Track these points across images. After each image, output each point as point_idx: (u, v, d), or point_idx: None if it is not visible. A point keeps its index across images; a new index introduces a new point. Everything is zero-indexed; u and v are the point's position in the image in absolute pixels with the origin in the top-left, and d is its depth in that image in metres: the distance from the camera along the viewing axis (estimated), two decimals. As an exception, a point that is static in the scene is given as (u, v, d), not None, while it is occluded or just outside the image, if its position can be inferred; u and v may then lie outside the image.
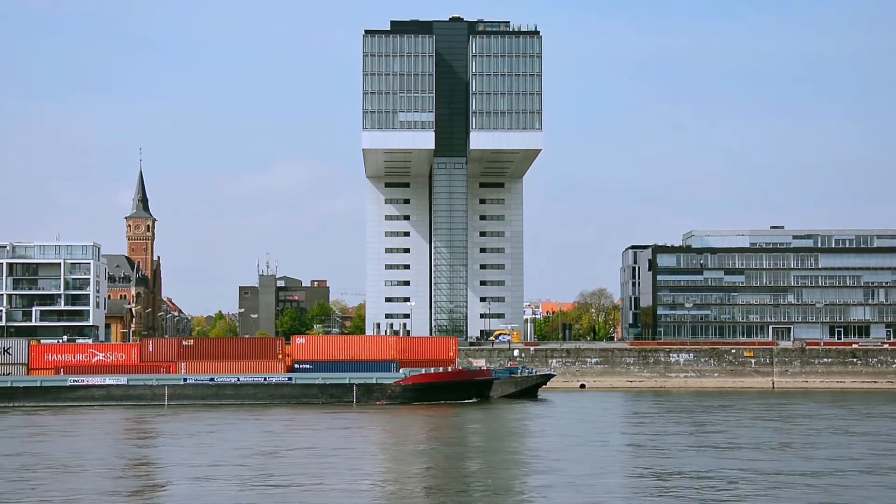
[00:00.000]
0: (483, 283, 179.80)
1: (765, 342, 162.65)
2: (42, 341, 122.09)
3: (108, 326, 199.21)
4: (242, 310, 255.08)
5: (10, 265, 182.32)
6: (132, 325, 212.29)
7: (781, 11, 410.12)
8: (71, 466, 59.00)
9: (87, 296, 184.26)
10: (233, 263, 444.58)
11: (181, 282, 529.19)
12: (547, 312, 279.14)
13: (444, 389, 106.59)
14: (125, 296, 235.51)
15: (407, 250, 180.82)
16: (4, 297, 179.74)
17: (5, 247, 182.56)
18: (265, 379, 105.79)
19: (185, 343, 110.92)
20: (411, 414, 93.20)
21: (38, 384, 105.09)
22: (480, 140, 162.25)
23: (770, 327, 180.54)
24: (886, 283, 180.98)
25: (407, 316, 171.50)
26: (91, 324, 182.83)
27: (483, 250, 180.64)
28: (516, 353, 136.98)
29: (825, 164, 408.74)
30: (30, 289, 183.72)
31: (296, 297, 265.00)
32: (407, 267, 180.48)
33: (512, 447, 69.56)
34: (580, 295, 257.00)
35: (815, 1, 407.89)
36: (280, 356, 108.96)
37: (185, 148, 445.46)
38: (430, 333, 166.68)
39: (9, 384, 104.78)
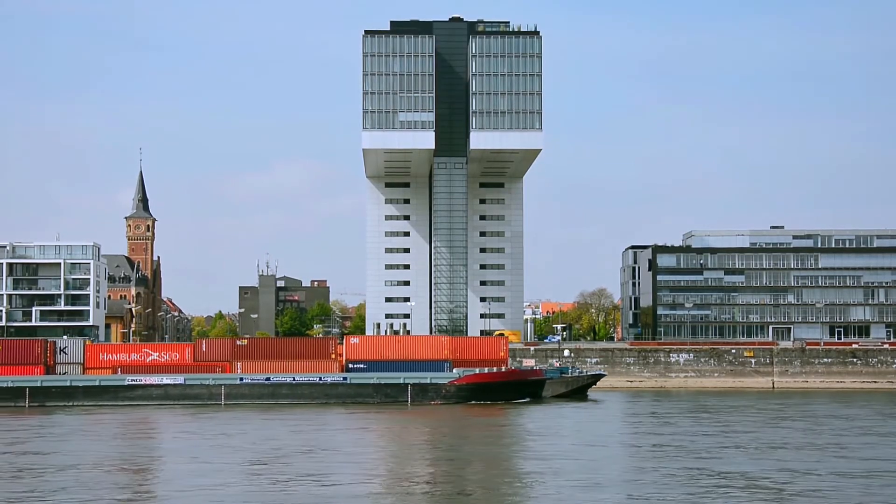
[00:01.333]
0: (483, 283, 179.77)
1: (765, 342, 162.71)
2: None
3: (108, 326, 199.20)
4: (242, 310, 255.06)
5: (10, 265, 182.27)
6: (132, 325, 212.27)
7: (781, 12, 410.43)
8: (194, 462, 60.83)
9: (87, 296, 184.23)
10: (233, 263, 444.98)
11: (181, 282, 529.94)
12: (547, 312, 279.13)
13: (498, 389, 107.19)
14: (125, 296, 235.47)
15: (407, 250, 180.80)
16: (4, 297, 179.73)
17: (5, 247, 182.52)
18: (320, 379, 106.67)
19: (238, 343, 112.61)
20: (491, 414, 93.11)
21: (97, 383, 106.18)
22: (480, 140, 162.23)
23: (770, 327, 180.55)
24: (886, 283, 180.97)
25: (407, 316, 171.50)
26: (91, 324, 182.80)
27: (483, 250, 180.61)
28: (567, 352, 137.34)
29: (825, 164, 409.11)
30: (30, 289, 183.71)
31: (296, 297, 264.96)
32: (407, 267, 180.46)
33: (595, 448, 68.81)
34: (580, 295, 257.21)
35: (815, 1, 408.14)
36: (333, 356, 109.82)
37: (185, 148, 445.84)
38: (430, 333, 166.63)
39: (68, 383, 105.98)
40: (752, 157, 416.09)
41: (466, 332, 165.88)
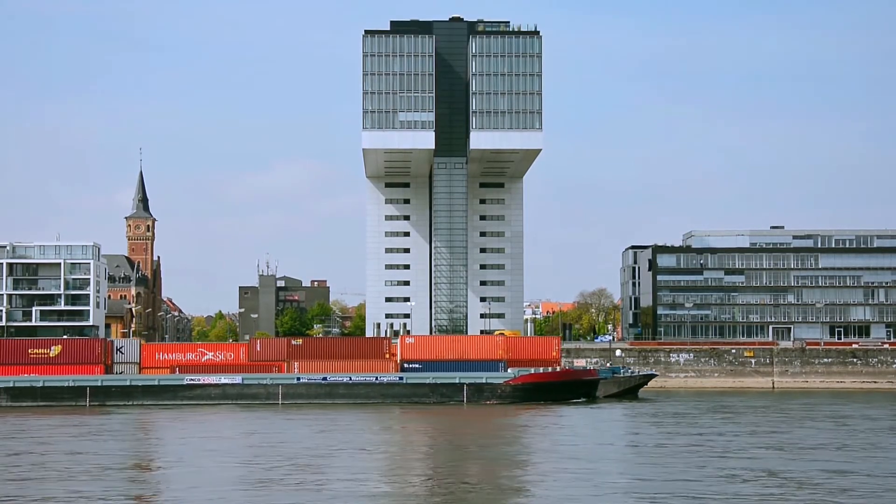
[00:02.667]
0: (483, 283, 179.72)
1: (765, 342, 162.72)
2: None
3: (108, 326, 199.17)
4: (242, 310, 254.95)
5: (10, 265, 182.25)
6: (132, 325, 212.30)
7: (781, 12, 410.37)
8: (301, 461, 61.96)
9: (87, 296, 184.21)
10: (233, 263, 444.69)
11: (181, 282, 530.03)
12: (547, 312, 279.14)
13: (553, 389, 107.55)
14: (125, 296, 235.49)
15: (407, 250, 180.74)
16: (4, 297, 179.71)
17: (5, 247, 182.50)
18: (377, 378, 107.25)
19: (294, 343, 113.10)
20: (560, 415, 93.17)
21: (156, 383, 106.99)
22: (480, 140, 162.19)
23: (770, 327, 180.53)
24: (886, 283, 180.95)
25: (407, 316, 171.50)
26: (91, 324, 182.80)
27: (483, 250, 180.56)
28: (619, 352, 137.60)
29: (825, 164, 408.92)
30: (30, 289, 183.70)
31: (296, 297, 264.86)
32: (407, 267, 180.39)
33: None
34: (580, 295, 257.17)
35: (815, 1, 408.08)
36: (387, 355, 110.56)
37: (185, 148, 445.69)
38: (430, 333, 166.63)
39: (128, 383, 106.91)
40: (752, 157, 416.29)
41: (466, 332, 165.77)
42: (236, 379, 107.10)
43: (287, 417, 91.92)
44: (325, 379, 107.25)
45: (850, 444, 69.14)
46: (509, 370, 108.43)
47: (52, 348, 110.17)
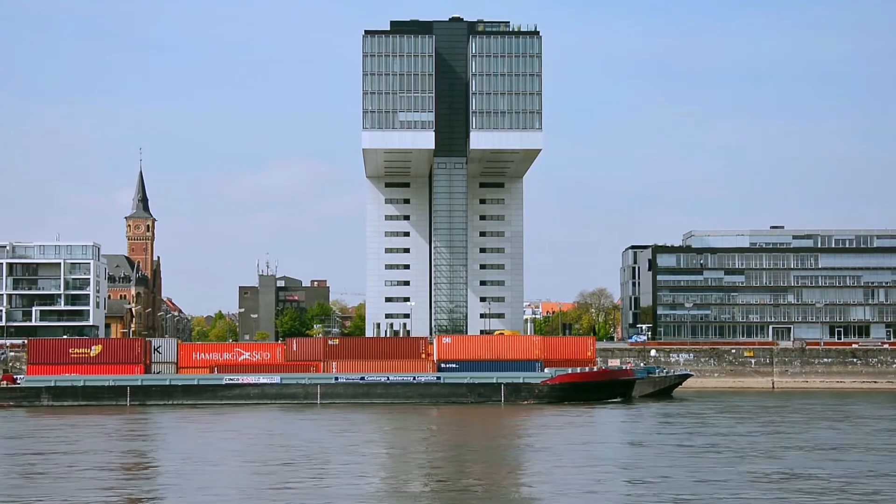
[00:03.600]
0: (483, 283, 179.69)
1: (765, 342, 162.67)
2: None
3: (108, 326, 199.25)
4: (242, 310, 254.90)
5: (10, 265, 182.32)
6: (132, 325, 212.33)
7: (781, 12, 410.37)
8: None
9: (87, 296, 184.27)
10: (233, 263, 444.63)
11: (181, 282, 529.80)
12: (547, 312, 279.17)
13: (590, 389, 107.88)
14: (125, 296, 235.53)
15: (407, 250, 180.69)
16: (4, 297, 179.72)
17: (5, 247, 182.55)
18: (414, 378, 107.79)
19: (330, 343, 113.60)
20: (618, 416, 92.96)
21: (196, 382, 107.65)
22: (480, 140, 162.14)
23: (770, 327, 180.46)
24: (886, 283, 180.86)
25: (407, 316, 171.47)
26: (91, 324, 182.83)
27: (483, 250, 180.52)
28: (653, 352, 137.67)
29: (825, 164, 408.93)
30: (30, 289, 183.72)
31: (296, 297, 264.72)
32: (407, 267, 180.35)
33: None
34: (580, 295, 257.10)
35: (816, 1, 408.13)
36: (423, 355, 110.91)
37: (185, 148, 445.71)
38: (430, 333, 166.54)
39: (167, 382, 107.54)
40: (752, 157, 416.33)
41: (466, 332, 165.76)
42: (275, 379, 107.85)
43: (326, 417, 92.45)
44: (362, 379, 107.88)
45: (876, 446, 69.22)
46: (546, 370, 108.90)
47: (93, 348, 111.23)
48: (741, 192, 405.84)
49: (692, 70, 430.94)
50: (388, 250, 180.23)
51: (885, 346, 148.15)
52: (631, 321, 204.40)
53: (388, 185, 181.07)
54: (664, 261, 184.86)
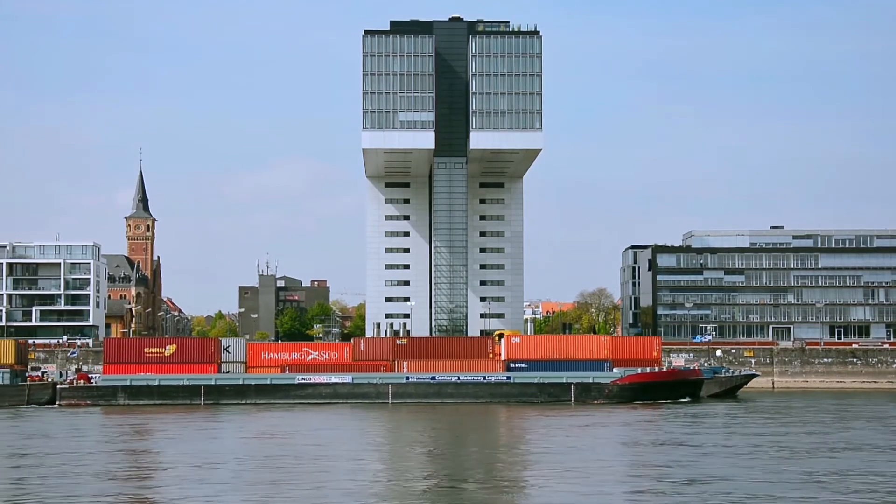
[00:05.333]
0: (483, 283, 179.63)
1: (765, 342, 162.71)
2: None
3: (108, 326, 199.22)
4: (242, 310, 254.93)
5: (10, 265, 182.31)
6: (132, 325, 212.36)
7: (781, 12, 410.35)
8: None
9: (87, 296, 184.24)
10: (233, 263, 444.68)
11: (181, 282, 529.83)
12: (547, 312, 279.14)
13: (660, 389, 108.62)
14: (125, 296, 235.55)
15: (407, 250, 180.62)
16: (4, 297, 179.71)
17: (5, 247, 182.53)
18: (484, 378, 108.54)
19: (398, 342, 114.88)
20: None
21: (268, 382, 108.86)
22: (480, 140, 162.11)
23: (770, 327, 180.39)
24: (886, 283, 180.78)
25: (407, 316, 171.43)
26: (91, 324, 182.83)
27: (483, 250, 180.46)
28: (719, 352, 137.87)
29: (825, 164, 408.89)
30: (30, 289, 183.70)
31: (296, 297, 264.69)
32: (407, 267, 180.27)
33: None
34: (580, 295, 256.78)
35: (815, 2, 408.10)
36: (490, 355, 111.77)
37: (185, 148, 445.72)
38: (430, 333, 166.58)
39: (241, 381, 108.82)
40: (752, 157, 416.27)
41: (466, 332, 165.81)
42: (346, 378, 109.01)
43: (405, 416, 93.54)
44: (433, 378, 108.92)
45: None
46: (615, 370, 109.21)
47: (168, 347, 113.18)
48: (741, 192, 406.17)
49: (692, 70, 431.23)
50: (388, 250, 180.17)
51: (885, 346, 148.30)
52: (631, 321, 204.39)
53: (388, 185, 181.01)
54: (664, 261, 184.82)
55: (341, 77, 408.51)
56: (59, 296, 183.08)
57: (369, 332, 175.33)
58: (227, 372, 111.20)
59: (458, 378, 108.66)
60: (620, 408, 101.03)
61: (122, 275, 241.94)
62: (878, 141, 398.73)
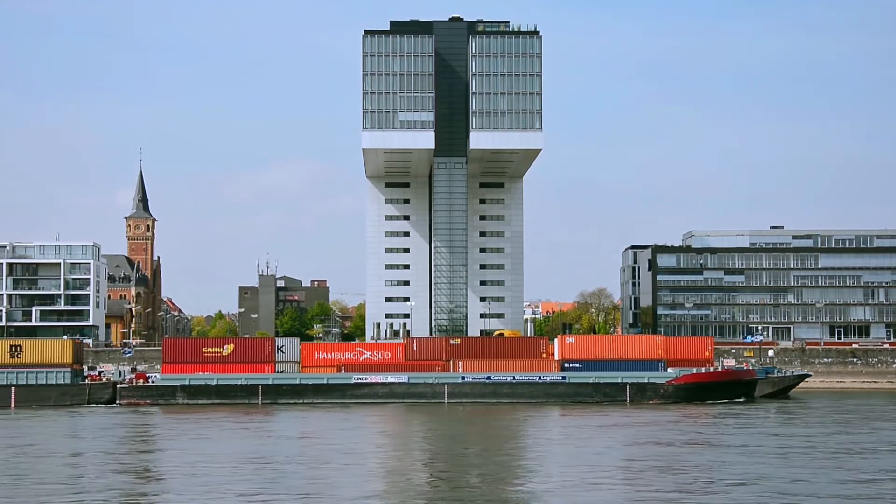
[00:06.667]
0: (483, 283, 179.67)
1: (765, 342, 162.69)
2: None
3: (108, 326, 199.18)
4: (242, 310, 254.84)
5: (10, 265, 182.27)
6: (132, 325, 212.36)
7: (781, 12, 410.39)
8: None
9: (87, 296, 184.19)
10: (233, 263, 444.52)
11: (181, 282, 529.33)
12: (547, 312, 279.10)
13: (715, 389, 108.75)
14: (125, 296, 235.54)
15: (407, 250, 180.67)
16: (4, 297, 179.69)
17: (5, 247, 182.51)
18: (539, 378, 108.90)
19: (452, 342, 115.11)
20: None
21: (325, 381, 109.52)
22: (480, 140, 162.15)
23: (770, 327, 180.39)
24: (886, 283, 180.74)
25: (407, 316, 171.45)
26: (91, 324, 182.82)
27: (483, 250, 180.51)
28: (771, 352, 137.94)
29: (825, 164, 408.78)
30: (30, 289, 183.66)
31: (296, 297, 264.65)
32: (407, 267, 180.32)
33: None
34: (580, 295, 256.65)
35: (815, 1, 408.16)
36: (544, 355, 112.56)
37: (185, 148, 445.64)
38: (430, 334, 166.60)
39: (297, 381, 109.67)
40: (752, 157, 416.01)
41: (466, 332, 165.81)
42: (402, 378, 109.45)
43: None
44: (488, 378, 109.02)
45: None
46: (669, 370, 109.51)
47: (225, 347, 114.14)
48: (741, 192, 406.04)
49: (692, 70, 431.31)
50: (388, 250, 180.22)
51: (885, 346, 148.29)
52: (631, 321, 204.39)
53: (388, 185, 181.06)
54: (664, 261, 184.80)
55: (341, 77, 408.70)
56: (59, 296, 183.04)
57: (369, 332, 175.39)
58: (282, 371, 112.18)
59: (514, 378, 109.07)
60: (687, 407, 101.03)
61: (122, 275, 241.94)
62: (878, 141, 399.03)
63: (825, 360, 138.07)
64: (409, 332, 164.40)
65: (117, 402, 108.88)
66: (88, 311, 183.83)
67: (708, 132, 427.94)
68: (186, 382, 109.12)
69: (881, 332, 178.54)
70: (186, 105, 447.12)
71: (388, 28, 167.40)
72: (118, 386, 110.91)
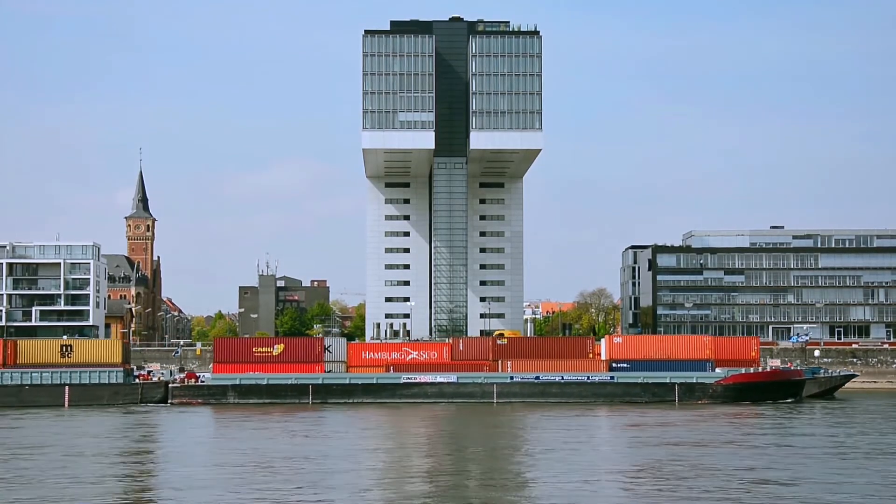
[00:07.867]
0: (483, 283, 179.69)
1: (765, 342, 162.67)
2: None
3: (108, 326, 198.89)
4: (242, 310, 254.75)
5: (10, 265, 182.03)
6: (132, 325, 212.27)
7: (781, 12, 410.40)
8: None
9: (87, 296, 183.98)
10: (233, 263, 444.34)
11: (181, 282, 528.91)
12: (547, 312, 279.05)
13: (763, 389, 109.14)
14: (125, 296, 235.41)
15: (407, 250, 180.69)
16: (4, 297, 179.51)
17: (5, 247, 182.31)
18: (588, 378, 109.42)
19: (499, 342, 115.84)
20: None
21: (375, 381, 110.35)
22: (480, 140, 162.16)
23: (770, 327, 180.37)
24: (886, 283, 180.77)
25: (407, 316, 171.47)
26: (91, 324, 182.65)
27: (483, 250, 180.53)
28: (817, 353, 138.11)
29: (825, 164, 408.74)
30: (30, 289, 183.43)
31: (296, 297, 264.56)
32: (407, 267, 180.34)
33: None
34: (580, 295, 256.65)
35: (815, 1, 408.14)
36: (591, 355, 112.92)
37: (185, 148, 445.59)
38: (430, 334, 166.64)
39: (347, 381, 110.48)
40: (752, 157, 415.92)
41: (466, 332, 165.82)
42: (451, 378, 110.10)
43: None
44: (537, 378, 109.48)
45: None
46: (717, 370, 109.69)
47: (276, 347, 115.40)
48: (741, 192, 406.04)
49: (692, 70, 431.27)
50: (388, 250, 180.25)
51: (885, 346, 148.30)
52: (631, 321, 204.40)
53: (388, 185, 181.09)
54: (664, 261, 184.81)
55: (341, 77, 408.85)
56: (59, 296, 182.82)
57: (369, 332, 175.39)
58: (330, 371, 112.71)
59: (562, 378, 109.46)
60: (736, 407, 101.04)
61: (122, 275, 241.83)
62: (878, 141, 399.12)
63: (825, 360, 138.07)
64: (409, 332, 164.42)
65: (169, 401, 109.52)
66: (88, 311, 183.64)
67: (708, 132, 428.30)
68: (237, 382, 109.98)
69: (881, 332, 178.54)
70: (186, 105, 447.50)
71: (388, 28, 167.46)
72: (170, 385, 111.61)
